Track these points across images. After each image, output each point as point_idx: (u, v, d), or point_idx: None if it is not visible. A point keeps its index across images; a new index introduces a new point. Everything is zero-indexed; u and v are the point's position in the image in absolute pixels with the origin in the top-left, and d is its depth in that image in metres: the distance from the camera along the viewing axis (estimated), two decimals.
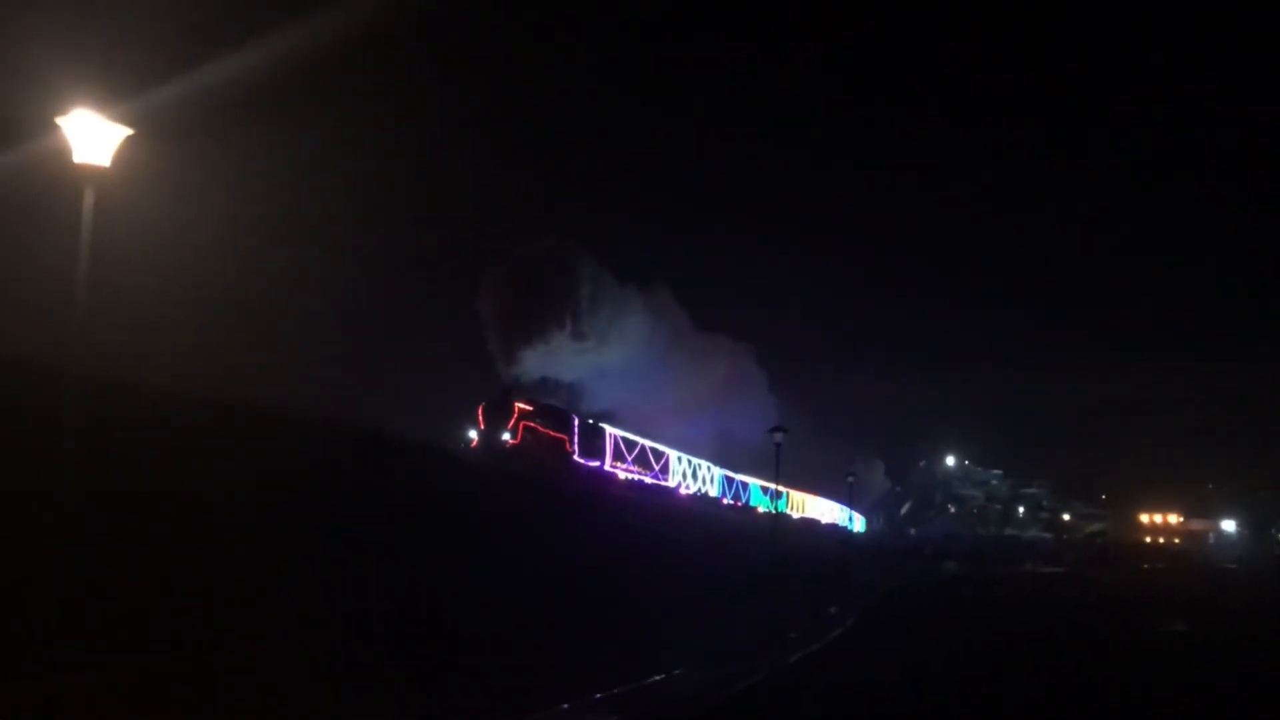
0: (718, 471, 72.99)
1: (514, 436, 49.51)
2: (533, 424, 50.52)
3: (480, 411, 50.52)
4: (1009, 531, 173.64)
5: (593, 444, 55.01)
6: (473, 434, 50.38)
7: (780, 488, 79.99)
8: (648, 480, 61.25)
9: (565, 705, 21.96)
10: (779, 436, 41.44)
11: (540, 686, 23.07)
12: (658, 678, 26.06)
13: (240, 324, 49.41)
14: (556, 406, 55.59)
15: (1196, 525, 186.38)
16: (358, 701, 20.60)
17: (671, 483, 64.86)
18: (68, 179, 14.90)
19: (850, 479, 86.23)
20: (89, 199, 14.63)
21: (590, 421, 57.10)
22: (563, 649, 27.88)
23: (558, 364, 70.15)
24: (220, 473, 22.39)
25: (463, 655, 24.90)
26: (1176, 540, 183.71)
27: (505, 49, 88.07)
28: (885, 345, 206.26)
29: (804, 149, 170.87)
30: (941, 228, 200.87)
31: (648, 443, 62.16)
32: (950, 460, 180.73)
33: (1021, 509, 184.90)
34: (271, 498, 23.55)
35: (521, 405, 50.86)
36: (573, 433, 53.39)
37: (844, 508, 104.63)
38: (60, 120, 14.67)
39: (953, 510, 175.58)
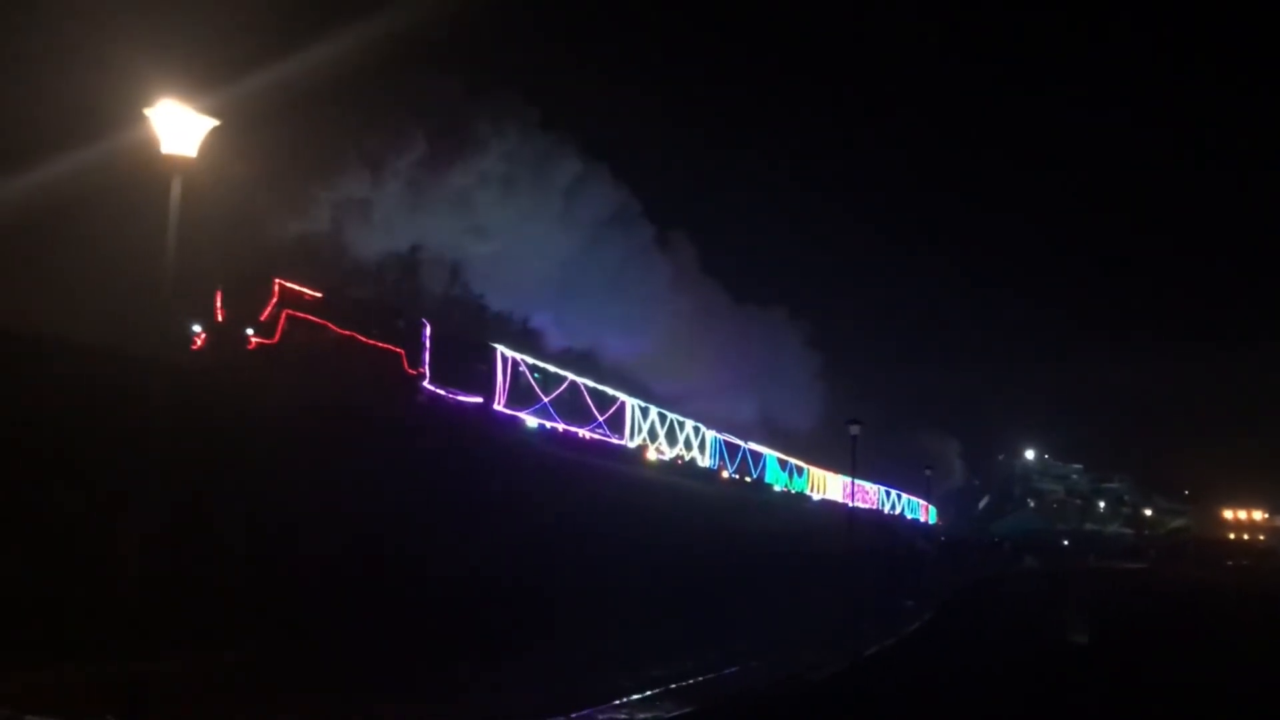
0: (710, 434, 46.77)
1: (269, 334, 24.18)
2: (314, 319, 25.34)
3: (219, 296, 24.92)
4: (1089, 527, 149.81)
5: (460, 368, 29.81)
6: (197, 329, 24.81)
7: (803, 464, 58.48)
8: (585, 435, 35.28)
9: (635, 696, 19.27)
10: (855, 429, 35.67)
11: None
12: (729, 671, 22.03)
13: None
14: (383, 301, 30.10)
15: None
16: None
17: (630, 443, 38.68)
18: (155, 168, 13.38)
19: (928, 472, 77.69)
20: (176, 189, 13.10)
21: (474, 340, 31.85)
22: None
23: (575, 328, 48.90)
24: None
25: None
26: (1261, 537, 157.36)
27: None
28: (961, 334, 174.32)
29: (877, 125, 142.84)
30: (1021, 213, 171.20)
31: (585, 381, 36.42)
32: (1029, 454, 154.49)
33: (1102, 504, 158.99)
34: None
35: (290, 285, 25.31)
36: (420, 346, 28.09)
37: (891, 493, 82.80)
38: (148, 111, 13.15)
39: (1032, 505, 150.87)
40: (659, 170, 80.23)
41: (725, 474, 47.90)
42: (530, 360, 33.74)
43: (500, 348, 32.35)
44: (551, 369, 34.87)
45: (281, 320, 24.81)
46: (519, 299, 46.58)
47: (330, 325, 25.92)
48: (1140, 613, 50.07)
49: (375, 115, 37.82)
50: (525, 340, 41.58)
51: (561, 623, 26.97)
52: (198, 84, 14.41)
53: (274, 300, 24.88)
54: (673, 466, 41.84)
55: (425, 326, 29.36)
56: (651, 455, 40.46)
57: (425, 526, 25.99)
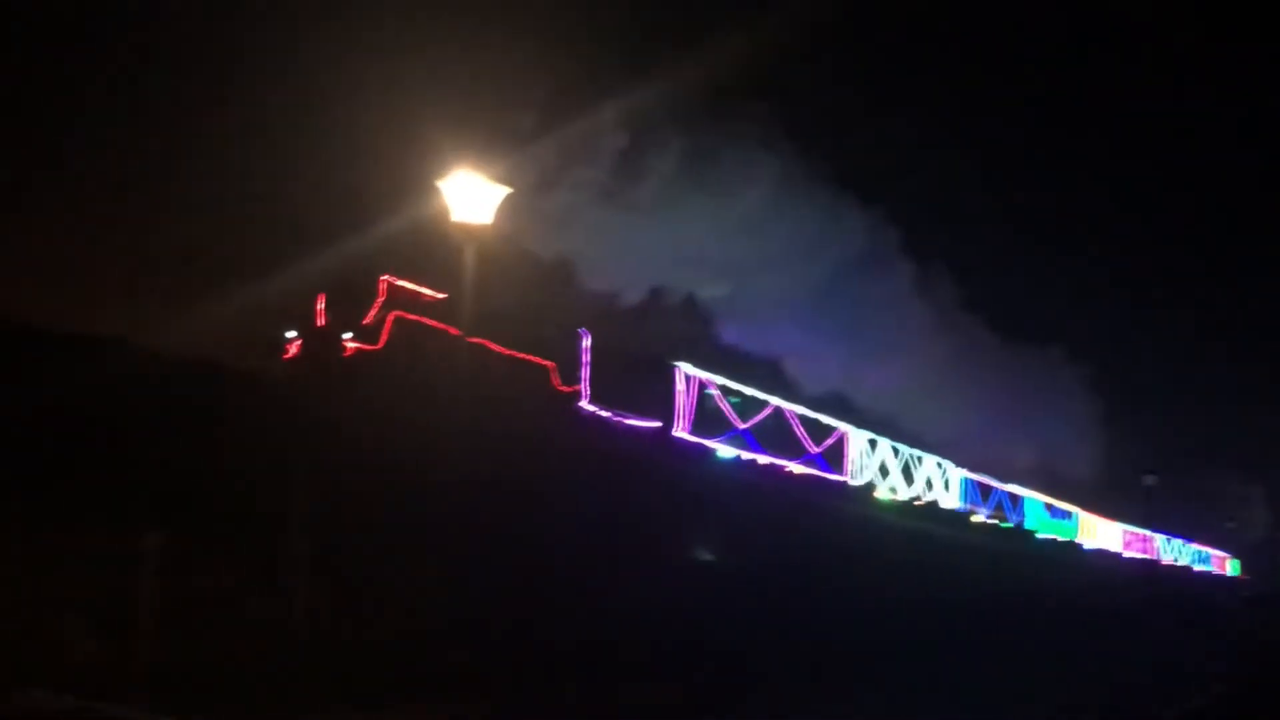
0: (958, 473, 39.55)
1: (372, 340, 19.60)
2: (432, 323, 20.62)
3: (320, 301, 20.53)
4: None
5: (632, 387, 24.44)
6: (291, 335, 20.51)
7: (1071, 508, 51.95)
8: (794, 468, 29.39)
9: None
10: (1151, 479, 34.51)
11: None
12: None
13: None
14: (526, 305, 25.14)
15: None
16: None
17: (854, 480, 32.49)
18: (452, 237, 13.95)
19: (1231, 525, 76.30)
20: (470, 256, 13.61)
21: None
22: None
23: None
24: None
25: None
26: None
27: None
28: (1263, 371, 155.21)
29: (1177, 149, 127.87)
30: None
31: (795, 408, 30.43)
32: None
33: None
34: None
35: (402, 284, 20.81)
36: (577, 360, 23.00)
37: (1174, 541, 72.24)
38: (440, 183, 13.45)
39: None
40: (920, 200, 73.39)
41: (977, 518, 40.80)
42: (722, 381, 28.11)
43: (682, 366, 26.86)
44: (749, 392, 29.07)
45: (388, 323, 20.17)
46: (766, 340, 41.54)
47: (451, 330, 21.09)
48: None
49: (622, 150, 33.39)
50: (779, 381, 36.42)
51: (784, 684, 21.15)
52: (484, 152, 14.35)
53: (380, 300, 20.31)
54: (908, 508, 35.24)
55: (584, 337, 24.20)
56: (883, 494, 34.02)
57: (586, 572, 21.04)
